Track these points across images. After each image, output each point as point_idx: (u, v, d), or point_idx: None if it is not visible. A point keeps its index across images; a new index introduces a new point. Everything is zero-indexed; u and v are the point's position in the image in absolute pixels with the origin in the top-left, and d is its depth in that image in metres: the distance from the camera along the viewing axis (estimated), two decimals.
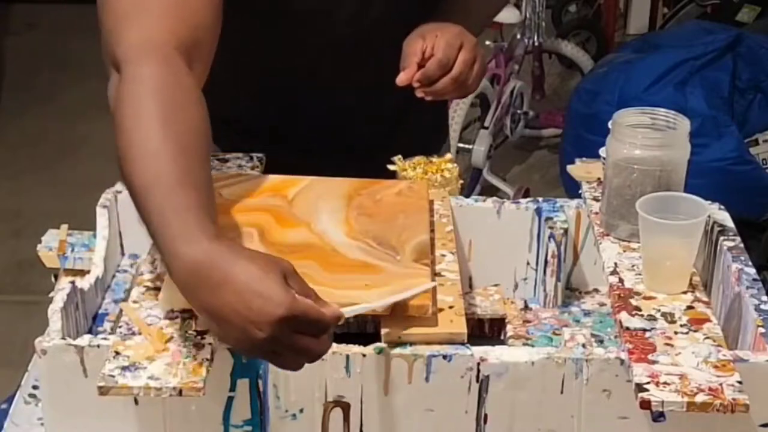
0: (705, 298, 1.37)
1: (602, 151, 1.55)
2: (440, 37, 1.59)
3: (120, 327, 1.30)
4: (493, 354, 1.27)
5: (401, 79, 1.58)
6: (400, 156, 1.67)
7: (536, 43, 4.20)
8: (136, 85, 1.28)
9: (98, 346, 1.27)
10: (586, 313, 1.58)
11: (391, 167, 1.66)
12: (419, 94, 1.59)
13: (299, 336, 1.13)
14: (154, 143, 1.22)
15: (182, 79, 1.30)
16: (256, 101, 1.74)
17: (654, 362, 1.23)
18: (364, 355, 1.26)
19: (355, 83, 1.69)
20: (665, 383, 1.20)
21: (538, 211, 1.58)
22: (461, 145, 3.78)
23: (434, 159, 1.66)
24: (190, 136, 1.26)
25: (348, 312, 1.22)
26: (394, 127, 1.79)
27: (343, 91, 1.71)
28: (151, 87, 1.27)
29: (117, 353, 1.24)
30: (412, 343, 1.28)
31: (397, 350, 1.27)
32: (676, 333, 1.29)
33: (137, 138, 1.23)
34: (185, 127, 1.26)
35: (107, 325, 1.51)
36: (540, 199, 1.60)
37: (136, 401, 1.28)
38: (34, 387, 1.41)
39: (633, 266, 1.42)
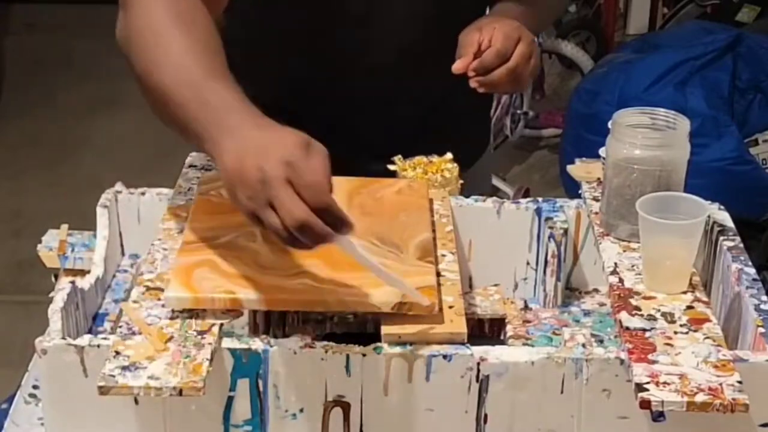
0: (705, 298, 1.37)
1: (602, 151, 1.55)
2: (498, 29, 1.59)
3: (120, 327, 1.30)
4: (493, 354, 1.27)
5: (457, 66, 1.57)
6: (400, 156, 1.67)
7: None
8: (148, 8, 1.38)
9: (98, 345, 1.27)
10: (586, 313, 1.58)
11: (390, 167, 1.66)
12: (473, 83, 1.58)
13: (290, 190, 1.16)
14: (179, 45, 1.33)
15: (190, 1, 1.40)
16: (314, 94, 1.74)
17: (654, 362, 1.24)
18: (364, 355, 1.27)
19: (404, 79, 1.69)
20: (665, 383, 1.20)
21: (538, 211, 1.58)
22: None
23: (434, 159, 1.66)
24: (208, 35, 1.36)
25: (352, 243, 1.24)
26: (432, 127, 1.79)
27: (398, 94, 1.71)
28: (162, 5, 1.37)
29: (117, 353, 1.24)
30: (412, 343, 1.28)
31: (397, 350, 1.27)
32: (676, 333, 1.29)
33: (161, 44, 1.34)
34: (202, 29, 1.36)
35: (107, 325, 1.51)
36: (540, 199, 1.60)
37: (136, 401, 1.28)
38: (35, 387, 1.41)
39: (633, 266, 1.42)
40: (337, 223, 1.19)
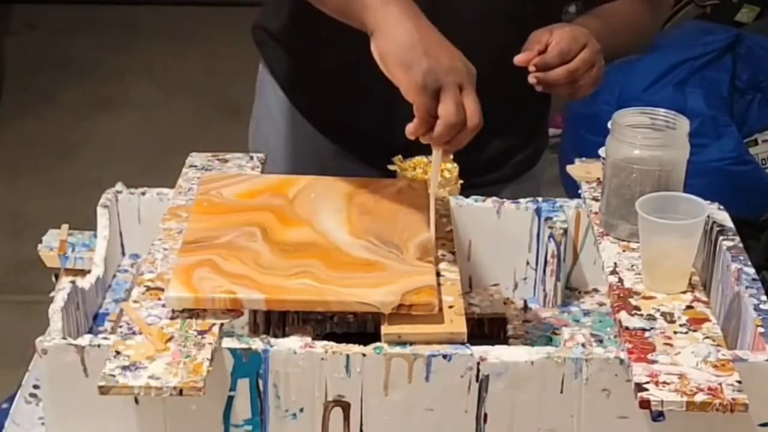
0: (704, 298, 1.37)
1: (602, 151, 1.55)
2: (568, 32, 1.59)
3: (120, 327, 1.31)
4: (493, 354, 1.27)
5: (519, 59, 1.57)
6: (400, 156, 1.67)
7: None
8: None
9: (99, 345, 1.27)
10: (586, 313, 1.58)
11: (390, 167, 1.66)
12: (531, 79, 1.57)
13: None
14: None
15: None
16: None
17: (653, 362, 1.24)
18: (364, 355, 1.27)
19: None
20: (665, 383, 1.20)
21: (538, 211, 1.58)
22: None
23: None
24: None
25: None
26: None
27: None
28: None
29: (117, 353, 1.24)
30: (411, 343, 1.28)
31: (397, 350, 1.27)
32: (675, 333, 1.29)
33: None
34: None
35: (108, 325, 1.51)
36: (540, 198, 1.61)
37: (136, 401, 1.28)
38: (35, 387, 1.41)
39: (632, 266, 1.42)
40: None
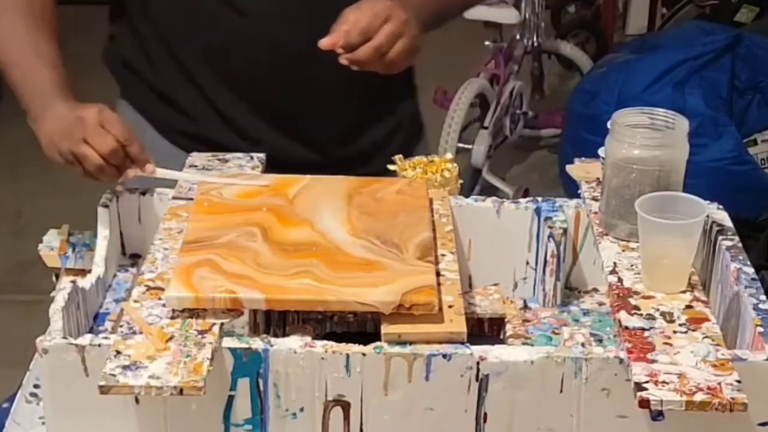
0: (704, 298, 1.37)
1: (601, 151, 1.55)
2: (369, 8, 1.58)
3: (121, 326, 1.31)
4: (493, 353, 1.28)
5: (324, 43, 1.57)
6: (400, 156, 1.67)
7: (535, 44, 4.20)
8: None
9: (99, 345, 1.27)
10: (586, 313, 1.58)
11: (390, 167, 1.67)
12: (343, 61, 1.57)
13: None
14: (18, 29, 1.68)
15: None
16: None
17: (653, 361, 1.24)
18: (364, 355, 1.27)
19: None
20: (664, 382, 1.21)
21: (538, 211, 1.58)
22: (461, 145, 3.78)
23: (434, 159, 1.66)
24: (45, 24, 1.70)
25: (161, 173, 1.58)
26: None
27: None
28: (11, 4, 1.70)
29: (118, 352, 1.25)
30: (411, 343, 1.28)
31: (397, 349, 1.27)
32: (674, 332, 1.29)
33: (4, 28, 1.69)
34: (42, 20, 1.70)
35: (108, 325, 1.51)
36: (539, 198, 1.61)
37: (137, 400, 1.28)
38: (36, 386, 1.41)
39: (632, 266, 1.42)
40: (139, 158, 1.56)
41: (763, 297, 1.37)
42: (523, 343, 1.48)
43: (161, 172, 1.58)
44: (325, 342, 1.28)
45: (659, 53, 3.65)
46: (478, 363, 1.27)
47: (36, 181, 3.99)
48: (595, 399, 1.28)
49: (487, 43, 4.00)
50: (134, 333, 1.28)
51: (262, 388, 1.28)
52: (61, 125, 1.58)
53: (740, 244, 1.48)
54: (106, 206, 1.59)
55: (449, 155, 1.70)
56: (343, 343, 1.28)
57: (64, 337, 1.30)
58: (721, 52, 3.59)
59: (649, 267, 1.38)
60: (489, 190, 3.82)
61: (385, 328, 1.29)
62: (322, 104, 1.79)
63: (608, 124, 1.48)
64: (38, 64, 1.65)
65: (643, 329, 1.30)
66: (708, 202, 1.47)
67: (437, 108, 3.96)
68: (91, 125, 1.54)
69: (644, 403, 1.19)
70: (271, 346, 1.27)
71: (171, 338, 1.27)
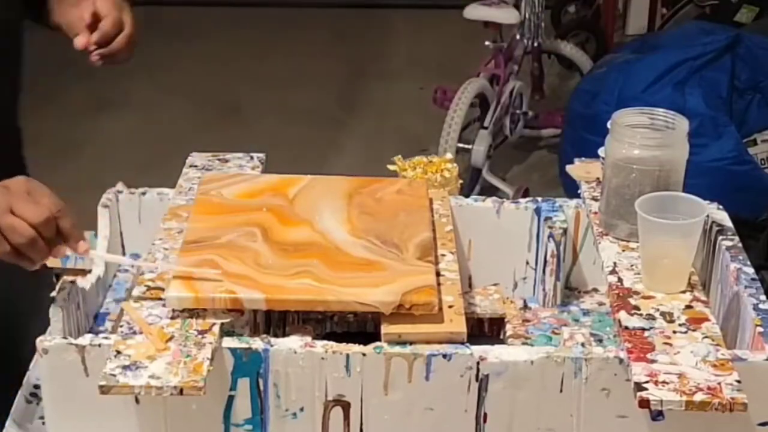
0: (704, 298, 1.37)
1: (601, 151, 1.55)
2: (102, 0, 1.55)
3: (121, 326, 1.31)
4: (493, 353, 1.28)
5: (81, 42, 1.53)
6: (400, 156, 1.67)
7: (535, 44, 4.20)
8: None
9: (99, 345, 1.27)
10: (585, 313, 1.58)
11: (390, 167, 1.67)
12: (95, 58, 1.54)
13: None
14: None
15: None
16: None
17: (653, 361, 1.24)
18: (364, 355, 1.27)
19: None
20: (664, 382, 1.21)
21: (538, 211, 1.58)
22: (461, 145, 3.78)
23: (434, 159, 1.67)
24: None
25: (94, 254, 1.41)
26: None
27: None
28: None
29: (118, 352, 1.25)
30: (411, 343, 1.28)
31: (397, 349, 1.27)
32: (674, 332, 1.29)
33: None
34: None
35: (108, 325, 1.51)
36: (539, 198, 1.61)
37: (137, 400, 1.28)
38: (36, 386, 1.41)
39: (632, 266, 1.42)
40: (72, 234, 1.34)
41: (763, 297, 1.37)
42: (523, 343, 1.48)
43: (94, 253, 1.42)
44: (325, 342, 1.28)
45: (659, 53, 3.65)
46: (478, 363, 1.27)
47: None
48: (595, 399, 1.28)
49: (487, 43, 4.00)
50: (134, 333, 1.28)
51: (262, 388, 1.28)
52: None
53: (740, 244, 1.48)
54: (106, 206, 1.59)
55: (449, 155, 1.70)
56: (343, 343, 1.28)
57: (64, 337, 1.30)
58: (721, 52, 3.59)
59: (649, 267, 1.38)
60: (489, 190, 3.82)
61: (385, 328, 1.29)
62: None
63: (608, 124, 1.48)
64: None
65: (643, 329, 1.30)
66: (708, 202, 1.47)
67: (437, 108, 3.96)
68: (18, 194, 1.33)
69: (644, 403, 1.19)
70: (271, 346, 1.27)
71: (171, 338, 1.27)
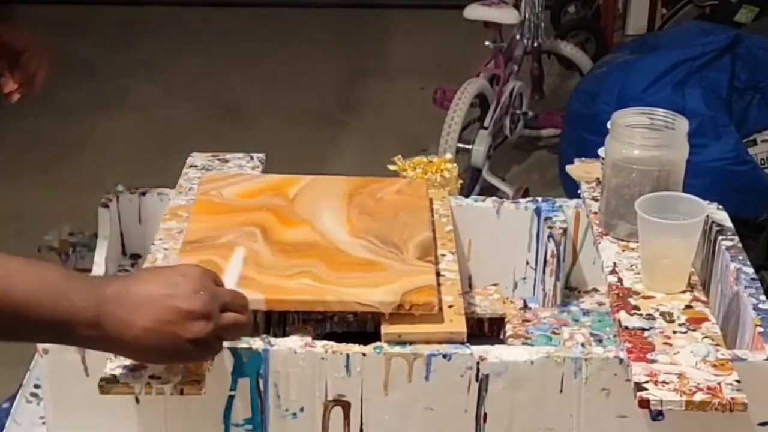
0: (703, 298, 1.37)
1: (601, 151, 1.56)
2: (11, 28, 1.50)
3: None
4: (493, 353, 1.28)
5: (11, 89, 1.48)
6: (400, 156, 1.67)
7: (535, 44, 4.20)
8: None
9: None
10: (585, 313, 1.58)
11: (391, 167, 1.67)
12: (15, 96, 1.49)
13: (227, 313, 1.16)
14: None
15: None
16: None
17: (653, 361, 1.24)
18: (364, 355, 1.27)
19: None
20: (664, 382, 1.21)
21: (538, 211, 1.58)
22: (461, 145, 3.78)
23: (434, 159, 1.67)
24: None
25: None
26: None
27: None
28: None
29: None
30: (411, 343, 1.28)
31: (397, 349, 1.27)
32: (674, 332, 1.29)
33: None
34: None
35: None
36: (539, 199, 1.61)
37: (137, 400, 1.28)
38: (36, 386, 1.41)
39: (632, 266, 1.42)
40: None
41: (762, 297, 1.38)
42: (523, 343, 1.48)
43: None
44: (325, 342, 1.28)
45: (659, 53, 3.65)
46: (478, 363, 1.27)
47: (36, 181, 3.99)
48: (595, 399, 1.28)
49: (487, 43, 3.99)
50: None
51: (262, 388, 1.28)
52: (157, 307, 1.12)
53: (740, 244, 1.48)
54: (106, 206, 1.59)
55: (449, 155, 1.70)
56: (343, 343, 1.28)
57: None
58: (721, 52, 3.59)
59: (649, 267, 1.39)
60: (489, 190, 3.82)
61: (385, 328, 1.29)
62: None
63: (608, 124, 1.48)
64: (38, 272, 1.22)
65: (643, 329, 1.30)
66: (708, 202, 1.47)
67: (437, 108, 3.96)
68: (215, 287, 1.17)
69: (644, 403, 1.19)
70: (271, 346, 1.27)
71: None
